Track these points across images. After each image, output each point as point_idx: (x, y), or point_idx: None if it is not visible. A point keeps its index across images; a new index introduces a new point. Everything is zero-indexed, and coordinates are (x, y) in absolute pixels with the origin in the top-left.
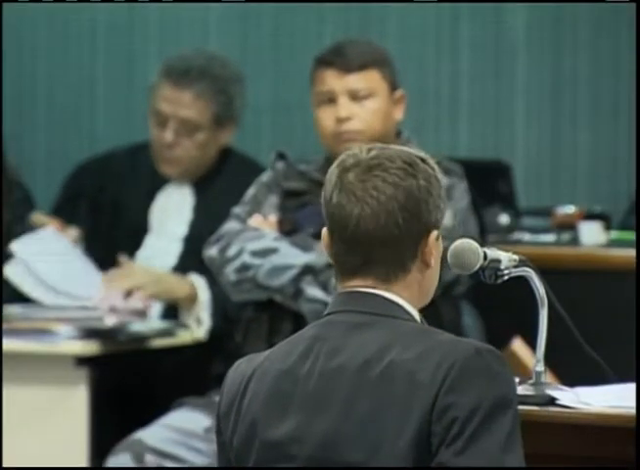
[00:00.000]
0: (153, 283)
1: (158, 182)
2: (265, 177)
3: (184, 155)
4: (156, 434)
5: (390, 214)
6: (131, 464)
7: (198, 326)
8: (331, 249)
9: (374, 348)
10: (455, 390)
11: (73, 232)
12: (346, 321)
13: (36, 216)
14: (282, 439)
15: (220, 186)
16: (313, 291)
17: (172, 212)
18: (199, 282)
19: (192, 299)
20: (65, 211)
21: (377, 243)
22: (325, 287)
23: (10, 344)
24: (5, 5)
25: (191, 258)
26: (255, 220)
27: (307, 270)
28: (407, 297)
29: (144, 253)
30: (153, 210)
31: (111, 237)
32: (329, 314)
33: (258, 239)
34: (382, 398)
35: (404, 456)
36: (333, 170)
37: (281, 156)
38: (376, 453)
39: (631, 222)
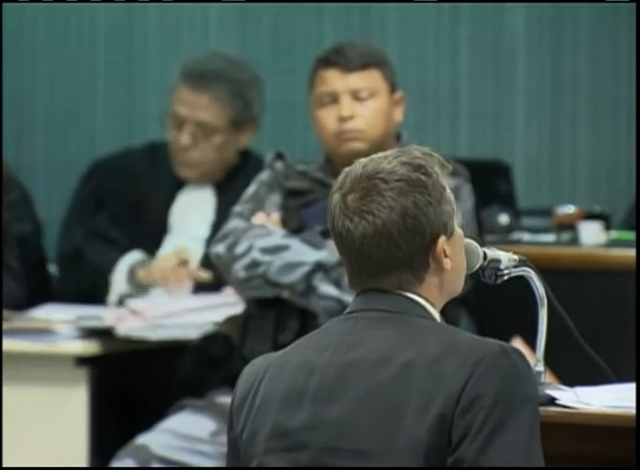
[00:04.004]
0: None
1: (178, 182)
2: (264, 176)
3: (201, 157)
4: (161, 440)
5: (391, 239)
6: None
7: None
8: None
9: (394, 342)
10: (482, 384)
11: None
12: (368, 317)
13: None
14: (296, 427)
15: (242, 188)
16: (326, 288)
17: (193, 213)
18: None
19: None
20: (83, 210)
21: (384, 264)
22: (338, 284)
23: (10, 344)
24: (5, 5)
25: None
26: (259, 218)
27: (319, 267)
28: (427, 298)
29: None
30: (173, 210)
31: (131, 236)
32: (350, 313)
33: (267, 236)
34: (401, 389)
35: (421, 442)
36: (334, 193)
37: (279, 156)
38: (389, 442)
39: (632, 222)
